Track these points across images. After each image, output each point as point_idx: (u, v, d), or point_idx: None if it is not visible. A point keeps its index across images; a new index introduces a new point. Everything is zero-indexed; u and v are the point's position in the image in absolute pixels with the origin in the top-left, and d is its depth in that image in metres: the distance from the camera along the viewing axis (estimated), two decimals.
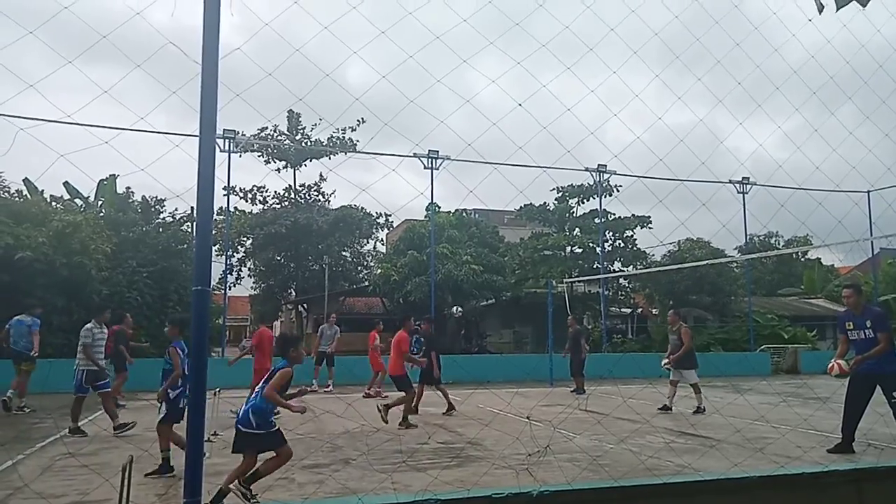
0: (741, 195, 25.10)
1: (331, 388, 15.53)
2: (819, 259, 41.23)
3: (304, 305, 38.08)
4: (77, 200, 23.66)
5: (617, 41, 3.80)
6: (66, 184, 23.53)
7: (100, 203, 24.22)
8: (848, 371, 7.40)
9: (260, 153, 33.06)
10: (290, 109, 31.89)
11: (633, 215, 29.68)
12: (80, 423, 9.22)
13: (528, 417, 10.39)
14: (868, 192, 19.64)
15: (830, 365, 7.59)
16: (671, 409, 11.62)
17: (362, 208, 33.63)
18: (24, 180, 20.37)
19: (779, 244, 43.30)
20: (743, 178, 24.68)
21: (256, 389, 5.60)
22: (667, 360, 11.98)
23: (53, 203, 21.78)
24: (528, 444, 7.54)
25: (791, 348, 25.38)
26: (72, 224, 17.59)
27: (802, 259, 43.16)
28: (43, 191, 21.71)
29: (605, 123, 4.43)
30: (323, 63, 3.50)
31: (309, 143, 32.84)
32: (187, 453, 3.40)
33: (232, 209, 30.97)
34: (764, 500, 5.13)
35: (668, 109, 4.45)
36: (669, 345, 12.31)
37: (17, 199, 20.06)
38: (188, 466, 3.40)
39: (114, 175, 23.43)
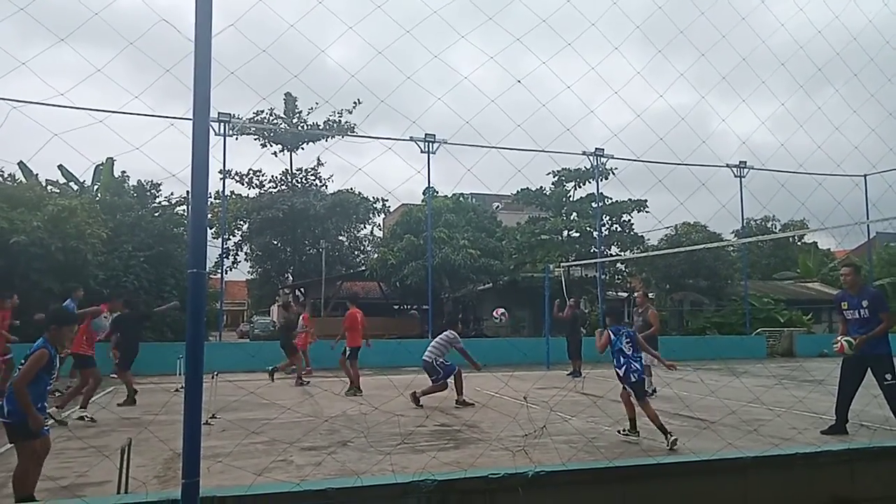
0: (738, 178, 25.08)
1: None
2: (815, 243, 41.32)
3: (302, 290, 38.13)
4: (72, 184, 23.52)
5: (604, 21, 3.76)
6: (61, 167, 23.40)
7: (95, 187, 24.08)
8: (852, 352, 7.30)
9: (257, 137, 32.89)
10: (287, 93, 31.72)
11: (629, 199, 29.63)
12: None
13: (524, 399, 10.44)
14: (865, 175, 19.62)
15: (838, 345, 7.42)
16: (655, 391, 11.57)
17: (359, 193, 33.54)
18: (18, 164, 20.24)
19: (775, 228, 43.37)
20: (740, 161, 24.65)
21: None
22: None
23: (49, 187, 21.65)
24: (524, 425, 7.58)
25: (786, 331, 25.54)
26: (67, 208, 17.48)
27: (799, 243, 43.24)
28: (38, 175, 21.58)
29: (595, 106, 4.41)
30: (305, 45, 3.46)
31: (305, 127, 32.67)
32: (185, 435, 3.41)
33: (229, 193, 30.87)
34: (758, 479, 5.18)
35: (667, 89, 4.42)
36: (634, 325, 11.76)
37: (11, 182, 19.93)
38: (186, 447, 3.41)
39: (111, 159, 23.31)
